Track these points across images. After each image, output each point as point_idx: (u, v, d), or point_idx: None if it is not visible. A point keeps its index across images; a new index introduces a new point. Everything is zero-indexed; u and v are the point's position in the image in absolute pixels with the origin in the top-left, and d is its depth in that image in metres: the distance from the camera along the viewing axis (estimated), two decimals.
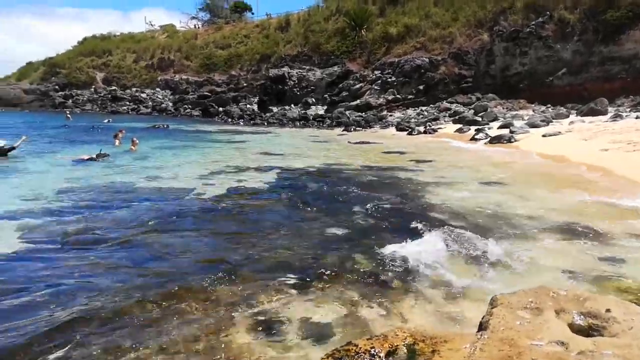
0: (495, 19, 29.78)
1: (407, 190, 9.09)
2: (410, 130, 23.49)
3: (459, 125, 23.02)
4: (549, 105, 24.72)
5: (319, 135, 23.88)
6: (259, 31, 48.36)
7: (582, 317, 2.41)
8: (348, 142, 20.14)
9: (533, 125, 19.34)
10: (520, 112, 24.43)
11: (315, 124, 31.78)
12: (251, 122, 35.69)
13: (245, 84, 44.23)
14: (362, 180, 10.44)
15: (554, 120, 20.41)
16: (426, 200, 8.24)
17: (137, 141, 17.05)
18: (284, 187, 9.64)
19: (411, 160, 13.52)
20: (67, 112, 40.02)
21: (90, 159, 13.75)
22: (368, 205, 7.80)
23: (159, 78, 50.57)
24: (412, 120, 27.20)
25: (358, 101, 33.03)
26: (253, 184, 10.08)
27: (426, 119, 26.49)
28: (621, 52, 24.58)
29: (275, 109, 37.71)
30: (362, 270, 5.10)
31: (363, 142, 19.66)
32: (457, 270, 5.08)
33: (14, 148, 14.60)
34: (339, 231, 6.42)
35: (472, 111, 25.70)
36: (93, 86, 52.34)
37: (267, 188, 9.59)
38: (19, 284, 4.73)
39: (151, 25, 62.57)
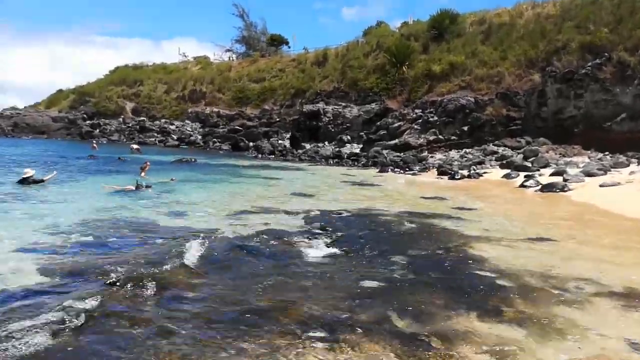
0: (548, 59, 29.77)
1: (449, 243, 8.99)
2: (452, 174, 23.25)
3: (506, 171, 22.74)
4: (606, 153, 24.24)
5: (353, 175, 23.92)
6: (295, 65, 49.67)
7: None
8: (385, 183, 20.09)
9: (589, 174, 18.95)
10: (575, 158, 24.01)
11: (350, 162, 32.01)
12: (282, 158, 36.35)
13: (277, 119, 45.28)
14: (400, 228, 10.38)
15: (612, 169, 19.95)
16: (469, 254, 8.13)
17: (147, 167, 18.24)
18: (314, 231, 9.67)
19: (453, 208, 13.36)
20: (94, 142, 41.55)
21: (134, 190, 14.73)
22: (406, 257, 7.77)
23: (189, 110, 52.07)
24: (455, 162, 26.96)
25: (396, 140, 33.13)
26: (281, 226, 10.13)
27: (470, 162, 26.28)
28: None
29: (307, 146, 38.42)
30: (398, 328, 5.05)
31: (401, 184, 19.55)
32: (506, 334, 4.98)
33: (42, 181, 15.28)
34: (374, 284, 6.40)
35: (520, 156, 25.42)
36: (122, 116, 54.26)
37: (297, 232, 9.63)
38: (29, 319, 4.83)
39: (184, 56, 64.73)
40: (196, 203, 13.17)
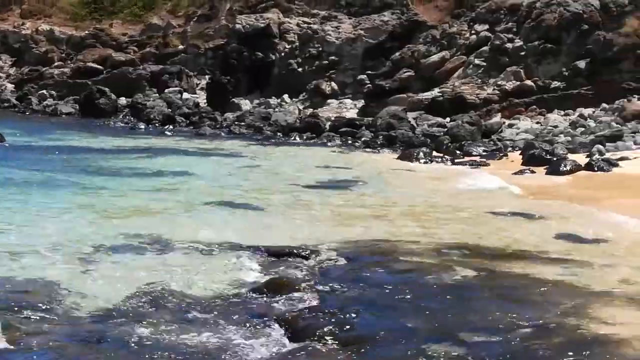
0: None
1: (548, 311, 6.06)
2: (554, 162, 15.48)
3: None
4: None
5: (346, 168, 16.57)
6: None
7: None
8: (411, 185, 14.10)
9: None
10: None
11: (339, 140, 20.98)
12: (192, 130, 23.82)
13: (180, 47, 30.05)
14: (445, 281, 6.97)
15: None
16: (589, 332, 5.47)
17: None
18: (257, 298, 6.26)
19: (556, 237, 9.32)
20: None
21: None
22: (458, 345, 5.14)
23: None
24: (560, 138, 18.06)
25: (436, 91, 21.66)
26: (185, 284, 6.53)
27: (591, 136, 17.52)
28: None
29: (246, 104, 25.35)
30: None
31: (446, 187, 13.89)
32: None
33: None
34: None
35: None
36: None
37: (219, 295, 6.29)
38: None
39: None
40: (8, 227, 8.84)
